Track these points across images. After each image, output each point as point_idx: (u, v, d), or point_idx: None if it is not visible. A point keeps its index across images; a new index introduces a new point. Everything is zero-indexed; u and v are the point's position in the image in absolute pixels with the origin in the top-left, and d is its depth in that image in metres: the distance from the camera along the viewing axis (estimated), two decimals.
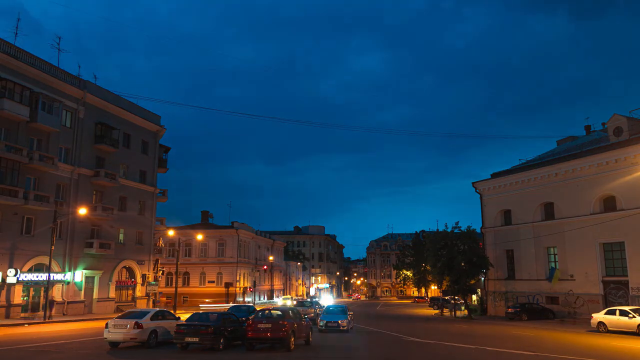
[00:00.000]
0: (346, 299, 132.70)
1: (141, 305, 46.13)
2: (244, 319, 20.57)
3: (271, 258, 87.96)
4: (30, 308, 36.15)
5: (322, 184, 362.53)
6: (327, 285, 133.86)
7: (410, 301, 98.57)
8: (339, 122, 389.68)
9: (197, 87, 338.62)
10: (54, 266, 36.94)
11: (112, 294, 44.18)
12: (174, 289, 52.52)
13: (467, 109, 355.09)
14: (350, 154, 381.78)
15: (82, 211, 38.13)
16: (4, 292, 33.61)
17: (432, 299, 70.86)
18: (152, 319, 19.34)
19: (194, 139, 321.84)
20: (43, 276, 35.63)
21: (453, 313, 47.72)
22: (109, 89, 47.60)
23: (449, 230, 46.35)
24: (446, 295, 58.07)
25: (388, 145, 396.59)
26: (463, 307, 49.51)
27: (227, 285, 67.82)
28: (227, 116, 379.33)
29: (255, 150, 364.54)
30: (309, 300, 56.25)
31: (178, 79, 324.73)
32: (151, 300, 48.34)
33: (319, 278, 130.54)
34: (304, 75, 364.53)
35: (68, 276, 39.03)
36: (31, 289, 36.30)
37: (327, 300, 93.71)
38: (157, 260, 51.03)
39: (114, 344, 18.81)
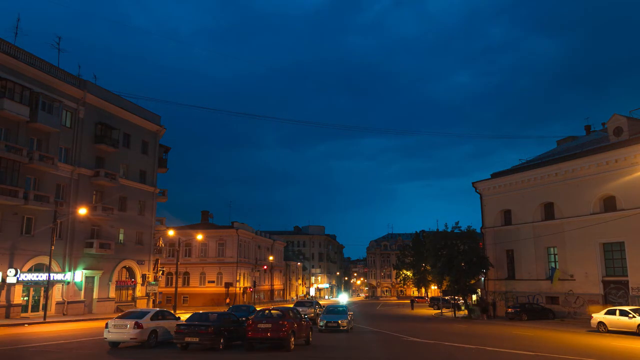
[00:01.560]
0: (358, 298, 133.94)
1: (141, 305, 46.13)
2: (243, 318, 20.57)
3: (271, 258, 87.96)
4: (30, 308, 36.13)
5: (324, 182, 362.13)
6: (327, 285, 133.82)
7: (410, 301, 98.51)
8: (380, 93, 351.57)
9: (226, 40, 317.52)
10: (54, 266, 36.95)
11: (112, 294, 44.17)
12: (174, 289, 52.53)
13: (539, 76, 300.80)
14: (384, 138, 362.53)
15: (82, 211, 38.14)
16: (4, 292, 33.60)
17: (432, 299, 70.85)
18: (152, 319, 19.33)
19: (194, 131, 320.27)
20: (43, 276, 35.63)
21: (453, 313, 47.73)
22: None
23: (449, 230, 46.41)
24: (446, 295, 58.15)
25: (428, 125, 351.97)
26: (463, 307, 49.52)
27: (227, 285, 67.79)
28: (226, 108, 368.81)
29: (257, 146, 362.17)
30: (309, 300, 56.25)
31: (203, 33, 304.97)
32: (151, 300, 48.33)
33: (319, 278, 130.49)
34: (348, 31, 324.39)
35: (68, 276, 39.03)
36: (31, 289, 36.30)
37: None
38: (157, 260, 51.03)
39: (114, 344, 18.80)
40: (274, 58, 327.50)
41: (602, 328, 27.67)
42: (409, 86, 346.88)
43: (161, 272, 54.37)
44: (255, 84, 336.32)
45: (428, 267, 65.32)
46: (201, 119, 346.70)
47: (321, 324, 27.07)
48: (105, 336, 18.71)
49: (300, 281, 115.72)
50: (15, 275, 33.71)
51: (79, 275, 40.15)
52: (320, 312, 31.46)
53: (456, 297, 51.12)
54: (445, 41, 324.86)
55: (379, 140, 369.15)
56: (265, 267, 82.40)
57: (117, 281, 45.07)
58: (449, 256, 44.22)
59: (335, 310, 29.53)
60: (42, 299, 35.78)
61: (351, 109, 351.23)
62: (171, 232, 53.98)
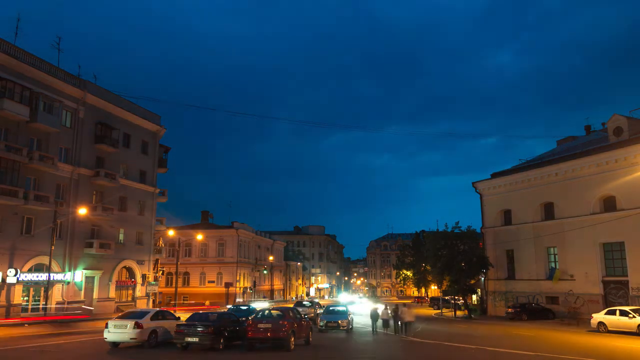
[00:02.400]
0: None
1: (141, 305, 46.13)
2: (243, 318, 20.59)
3: (271, 258, 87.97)
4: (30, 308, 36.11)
5: (325, 182, 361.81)
6: (327, 285, 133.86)
7: (410, 301, 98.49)
8: (408, 74, 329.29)
9: (237, 15, 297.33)
10: (54, 266, 36.94)
11: (112, 294, 44.17)
12: (174, 289, 52.57)
13: (592, 53, 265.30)
14: (402, 127, 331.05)
15: (82, 211, 38.14)
16: (4, 292, 33.60)
17: (432, 299, 70.85)
18: (152, 319, 19.34)
19: (194, 128, 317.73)
20: (43, 276, 35.63)
21: (453, 313, 47.73)
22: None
23: (449, 230, 46.40)
24: (446, 295, 58.11)
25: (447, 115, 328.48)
26: (463, 307, 49.52)
27: (227, 285, 67.76)
28: (236, 90, 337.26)
29: (259, 141, 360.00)
30: (308, 300, 56.27)
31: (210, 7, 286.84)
32: (151, 300, 48.32)
33: (319, 278, 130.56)
34: (376, 2, 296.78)
35: (68, 276, 39.01)
36: (31, 289, 36.29)
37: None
38: (157, 260, 51.04)
39: (114, 344, 18.81)
40: (291, 34, 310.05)
41: (602, 328, 27.67)
42: (440, 67, 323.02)
43: (161, 272, 54.41)
44: (269, 63, 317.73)
45: (428, 267, 65.30)
46: (202, 114, 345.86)
47: (321, 324, 27.07)
48: (105, 336, 18.71)
49: (300, 281, 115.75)
50: (15, 275, 33.70)
51: (79, 275, 40.13)
52: (320, 312, 31.48)
53: (456, 297, 51.12)
54: (488, 12, 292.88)
55: (393, 131, 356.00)
56: (265, 267, 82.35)
57: (117, 281, 45.05)
58: (449, 256, 44.22)
59: (335, 310, 29.54)
60: (42, 299, 35.77)
61: (374, 92, 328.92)
62: (171, 232, 54.02)
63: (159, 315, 20.10)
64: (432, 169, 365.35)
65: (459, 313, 47.76)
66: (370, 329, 27.16)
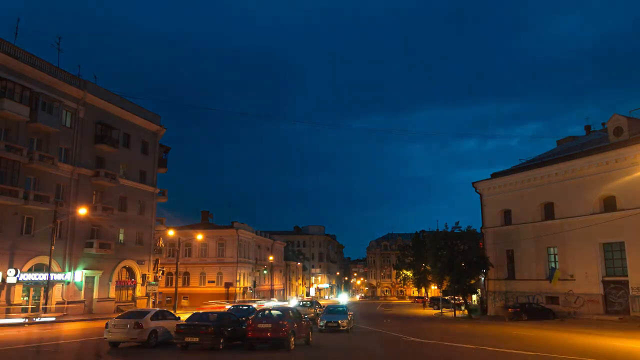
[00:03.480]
0: (353, 299, 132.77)
1: (141, 305, 46.13)
2: (243, 318, 20.57)
3: (271, 258, 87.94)
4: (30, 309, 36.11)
5: (325, 181, 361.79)
6: (327, 285, 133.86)
7: (410, 301, 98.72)
8: (453, 44, 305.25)
9: None
10: (54, 266, 36.94)
11: (112, 294, 44.18)
12: (174, 289, 52.52)
13: None
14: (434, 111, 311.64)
15: (82, 211, 38.15)
16: (4, 292, 33.62)
17: (432, 299, 70.86)
18: (152, 319, 19.33)
19: (195, 127, 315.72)
20: (43, 276, 35.63)
21: (453, 313, 47.75)
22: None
23: (449, 230, 46.37)
24: (446, 295, 58.11)
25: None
26: (463, 307, 49.53)
27: (227, 285, 67.77)
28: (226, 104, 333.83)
29: (260, 139, 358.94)
30: (308, 300, 56.25)
31: None
32: (151, 300, 48.32)
33: (319, 278, 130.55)
34: None
35: (68, 276, 39.03)
36: (31, 289, 36.30)
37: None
38: (157, 260, 51.03)
39: (114, 344, 18.81)
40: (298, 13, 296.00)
41: None
42: (489, 37, 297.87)
43: (161, 272, 54.35)
44: (270, 58, 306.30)
45: (428, 267, 65.27)
46: (202, 113, 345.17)
47: (321, 324, 27.05)
48: (105, 336, 18.72)
49: (300, 281, 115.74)
50: (15, 275, 33.72)
51: (79, 275, 40.16)
52: (320, 312, 31.47)
53: (456, 297, 51.13)
54: None
55: (389, 130, 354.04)
56: (265, 267, 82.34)
57: (117, 281, 45.07)
58: (449, 256, 44.18)
59: (335, 310, 29.53)
60: (42, 299, 35.77)
61: (410, 65, 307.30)
62: (171, 232, 53.95)
63: (159, 315, 20.09)
64: (433, 168, 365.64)
65: (458, 313, 47.76)
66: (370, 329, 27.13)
